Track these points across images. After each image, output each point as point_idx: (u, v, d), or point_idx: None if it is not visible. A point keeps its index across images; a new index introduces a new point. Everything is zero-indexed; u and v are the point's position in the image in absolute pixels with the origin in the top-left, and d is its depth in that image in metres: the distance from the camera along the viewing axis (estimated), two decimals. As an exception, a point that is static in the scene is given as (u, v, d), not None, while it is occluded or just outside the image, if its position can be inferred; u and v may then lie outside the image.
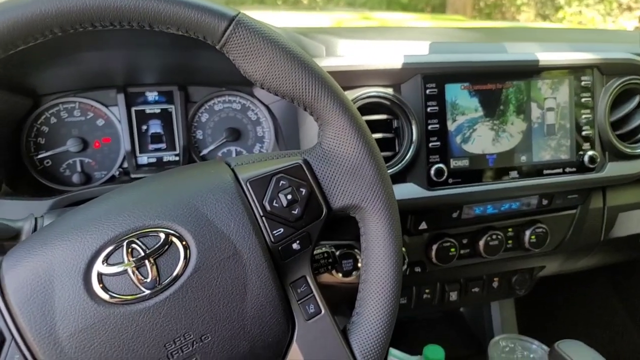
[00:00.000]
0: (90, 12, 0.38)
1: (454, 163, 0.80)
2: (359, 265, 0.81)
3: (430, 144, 0.79)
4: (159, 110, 0.87)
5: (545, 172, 0.86)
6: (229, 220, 0.43)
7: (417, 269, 0.92)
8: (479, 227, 0.92)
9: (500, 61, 0.82)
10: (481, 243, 0.91)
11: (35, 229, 0.56)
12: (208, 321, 0.41)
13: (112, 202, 0.44)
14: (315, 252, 0.64)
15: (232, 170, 0.46)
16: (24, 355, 0.38)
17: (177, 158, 0.89)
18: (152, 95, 0.87)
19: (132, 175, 0.85)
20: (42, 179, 0.82)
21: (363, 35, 0.91)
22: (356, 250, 0.81)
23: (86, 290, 0.39)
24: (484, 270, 1.03)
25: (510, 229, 0.95)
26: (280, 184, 0.46)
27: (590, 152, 0.86)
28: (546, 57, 0.83)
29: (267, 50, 0.43)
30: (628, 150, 0.90)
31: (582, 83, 0.87)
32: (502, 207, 0.90)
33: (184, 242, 0.41)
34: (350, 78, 0.76)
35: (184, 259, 0.41)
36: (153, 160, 0.88)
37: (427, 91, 0.78)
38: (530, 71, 0.84)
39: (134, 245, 0.41)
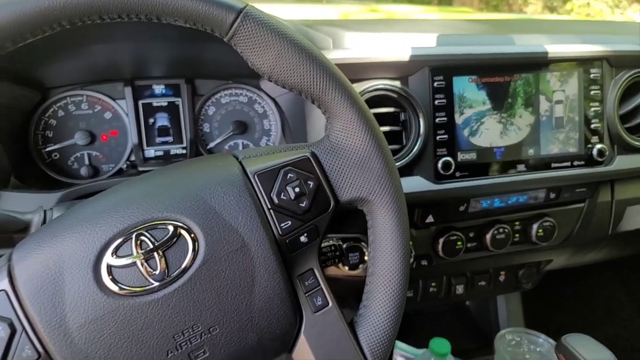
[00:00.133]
0: (98, 5, 0.38)
1: (461, 156, 0.80)
2: (366, 258, 0.81)
3: (438, 137, 0.79)
4: (166, 103, 0.87)
5: (553, 165, 0.85)
6: (236, 213, 0.43)
7: (424, 262, 0.92)
8: (486, 220, 0.92)
9: (508, 53, 0.81)
10: (488, 236, 0.91)
11: (44, 222, 0.56)
12: (216, 313, 0.42)
13: (120, 195, 0.44)
14: (322, 245, 0.63)
15: (240, 163, 0.46)
16: (34, 346, 0.39)
17: (184, 151, 0.89)
18: (159, 88, 0.87)
19: (140, 168, 0.85)
20: (51, 171, 0.83)
21: (370, 27, 0.90)
22: (363, 243, 0.82)
23: (96, 282, 0.39)
24: (490, 264, 1.03)
25: (517, 223, 0.94)
26: (288, 177, 0.46)
27: (598, 145, 0.86)
28: (554, 49, 0.83)
29: (274, 43, 0.43)
30: (637, 143, 0.89)
31: (591, 75, 0.86)
32: (510, 200, 0.90)
33: (192, 235, 0.42)
34: (357, 71, 0.76)
35: (192, 251, 0.41)
36: (160, 153, 0.88)
37: (435, 84, 0.78)
38: (538, 63, 0.83)
39: (142, 238, 0.41)
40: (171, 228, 0.41)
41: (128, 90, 0.84)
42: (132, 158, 0.87)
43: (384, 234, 0.48)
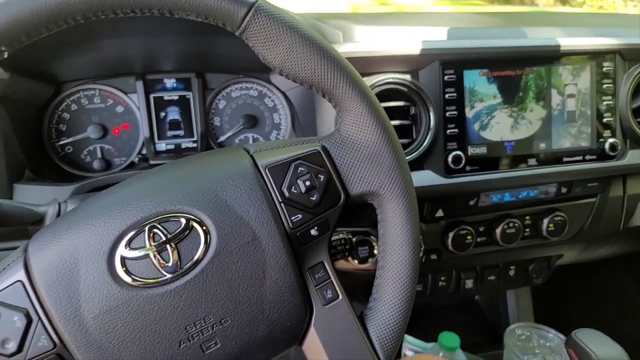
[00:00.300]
0: (112, 0, 0.39)
1: (471, 150, 0.80)
2: (375, 252, 0.81)
3: (448, 131, 0.78)
4: (177, 97, 0.88)
5: (564, 159, 0.85)
6: (248, 206, 0.43)
7: (433, 257, 0.92)
8: (496, 215, 0.92)
9: (519, 47, 0.81)
10: (498, 231, 0.91)
11: (58, 214, 0.57)
12: (228, 305, 0.42)
13: (133, 187, 0.45)
14: (332, 239, 0.64)
15: (251, 156, 0.47)
16: (50, 336, 0.39)
17: (194, 145, 0.90)
18: (170, 82, 0.88)
19: (151, 162, 0.86)
20: (64, 165, 0.84)
21: (380, 21, 0.90)
22: (372, 237, 0.82)
23: (110, 273, 0.40)
24: (500, 259, 1.03)
25: (527, 217, 0.94)
26: (299, 171, 0.46)
27: (611, 140, 0.85)
28: (567, 42, 0.82)
29: (286, 37, 0.43)
30: (650, 137, 0.88)
31: (604, 69, 0.85)
32: (520, 194, 0.89)
33: (204, 227, 0.42)
34: (367, 64, 0.76)
35: (204, 243, 0.42)
36: (171, 146, 0.89)
37: (445, 77, 0.78)
38: (550, 57, 0.82)
39: (155, 230, 0.41)
40: (183, 221, 0.42)
41: (139, 84, 0.85)
42: (144, 151, 0.87)
43: (394, 228, 0.48)
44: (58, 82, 0.82)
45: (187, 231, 0.42)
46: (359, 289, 0.87)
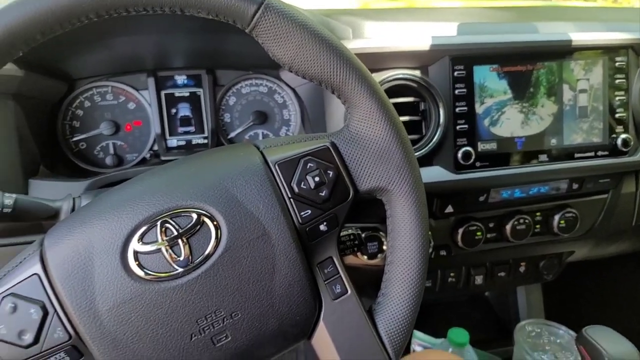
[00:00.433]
0: None
1: (481, 146, 0.79)
2: (384, 247, 0.81)
3: (458, 127, 0.78)
4: (187, 94, 0.89)
5: (576, 155, 0.84)
6: (258, 202, 0.44)
7: (443, 253, 0.92)
8: (506, 211, 0.91)
9: (531, 42, 0.80)
10: (508, 227, 0.91)
11: (73, 209, 0.58)
12: (238, 299, 0.42)
13: (146, 183, 0.45)
14: (341, 234, 0.64)
15: (261, 152, 0.47)
16: (65, 328, 0.40)
17: (205, 141, 0.90)
18: (181, 79, 0.88)
19: (163, 158, 0.87)
20: (78, 161, 0.85)
21: (390, 16, 0.90)
22: (381, 233, 0.82)
23: (123, 267, 0.41)
24: (510, 255, 1.02)
25: (538, 213, 0.93)
26: (308, 166, 0.46)
27: (623, 135, 0.84)
28: (579, 37, 0.81)
29: (295, 34, 0.43)
30: (663, 133, 0.87)
31: (617, 64, 0.84)
32: (531, 191, 0.89)
33: (215, 222, 0.43)
34: (377, 60, 0.76)
35: (215, 238, 0.42)
36: (182, 143, 0.89)
37: (455, 73, 0.77)
38: (562, 52, 0.82)
39: (167, 225, 0.42)
40: (195, 216, 0.42)
41: (151, 81, 0.86)
42: (155, 147, 0.88)
43: (403, 223, 0.48)
44: (71, 79, 0.83)
45: (199, 226, 0.42)
46: (368, 284, 0.87)
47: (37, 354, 0.40)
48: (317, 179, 0.46)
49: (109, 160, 0.86)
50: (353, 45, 0.74)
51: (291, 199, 0.46)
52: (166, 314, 0.41)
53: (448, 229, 0.90)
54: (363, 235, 0.79)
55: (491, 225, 0.92)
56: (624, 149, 0.85)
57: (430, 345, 1.10)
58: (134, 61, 0.85)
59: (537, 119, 0.82)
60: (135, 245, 0.41)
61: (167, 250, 0.41)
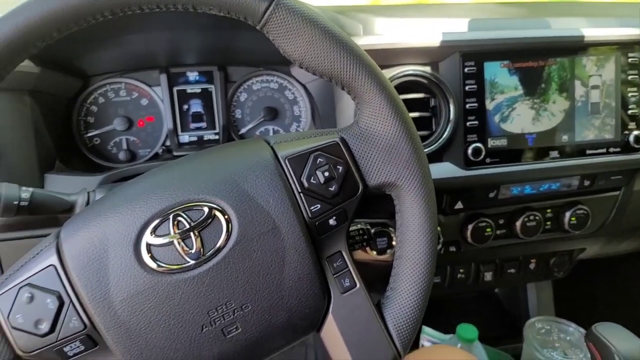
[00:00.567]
0: None
1: (491, 142, 0.79)
2: (393, 243, 0.82)
3: (468, 123, 0.78)
4: (199, 90, 0.90)
5: (588, 152, 0.83)
6: (268, 196, 0.44)
7: (452, 249, 0.92)
8: (516, 207, 0.91)
9: (542, 37, 0.80)
10: (518, 224, 0.90)
11: (87, 202, 0.60)
12: (248, 291, 0.43)
13: (158, 177, 0.46)
14: (350, 229, 0.65)
15: (272, 147, 0.48)
16: (80, 317, 0.41)
17: (216, 137, 0.91)
18: (193, 76, 0.89)
19: (175, 153, 0.88)
20: (92, 156, 0.87)
21: (401, 13, 0.90)
22: (390, 228, 0.82)
23: (136, 259, 0.42)
24: (520, 251, 1.02)
25: (549, 210, 0.93)
26: (318, 162, 0.47)
27: (636, 132, 0.84)
28: (592, 32, 0.81)
29: (306, 30, 0.44)
30: (676, 130, 0.86)
31: (630, 60, 0.83)
32: (541, 187, 0.88)
33: (226, 216, 0.43)
34: (387, 56, 0.76)
35: (226, 232, 0.43)
36: (194, 138, 0.91)
37: (466, 69, 0.77)
38: (574, 47, 0.81)
39: (179, 218, 0.43)
40: (206, 209, 0.43)
41: (163, 78, 0.87)
42: (168, 143, 0.90)
43: (412, 218, 0.48)
44: (86, 75, 0.84)
45: (210, 219, 0.43)
46: (377, 279, 0.87)
47: (53, 343, 0.41)
48: (326, 174, 0.46)
49: (122, 156, 0.87)
50: (363, 41, 0.75)
51: (301, 194, 0.46)
52: (178, 305, 0.42)
53: (458, 225, 0.90)
54: (372, 230, 0.80)
55: (501, 221, 0.91)
56: (637, 146, 0.84)
57: (439, 341, 1.10)
58: (146, 58, 0.86)
59: (548, 115, 0.81)
60: (148, 237, 0.42)
61: (179, 243, 0.42)
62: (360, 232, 0.66)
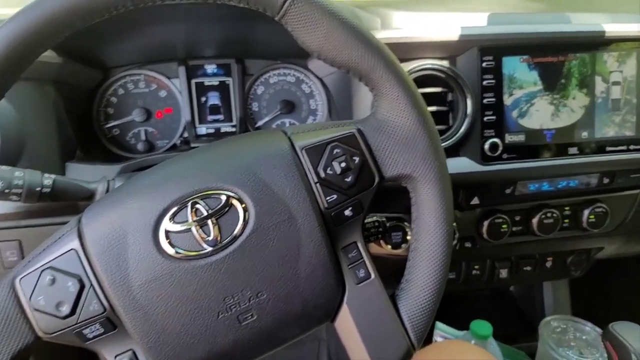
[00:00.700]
0: None
1: (509, 138, 0.79)
2: (408, 238, 0.82)
3: (485, 118, 0.78)
4: (217, 83, 0.91)
5: (607, 149, 0.82)
6: (285, 186, 0.45)
7: (468, 244, 0.92)
8: (533, 204, 0.90)
9: (563, 32, 0.79)
10: (535, 221, 0.89)
11: (107, 190, 0.61)
12: (264, 279, 0.44)
13: (177, 166, 0.47)
14: (366, 221, 0.65)
15: (289, 138, 0.48)
16: (100, 301, 0.42)
17: (233, 129, 0.92)
18: (211, 68, 0.90)
19: (192, 145, 0.89)
20: (111, 146, 0.88)
21: (419, 7, 0.89)
22: (405, 223, 0.82)
23: (155, 245, 0.42)
24: (537, 249, 1.01)
25: (567, 208, 0.92)
26: (335, 152, 0.47)
27: (657, 129, 0.82)
28: (613, 28, 0.79)
29: (324, 21, 0.44)
30: (699, 128, 0.84)
31: (652, 56, 0.82)
32: (559, 184, 0.87)
33: (243, 205, 0.44)
34: (405, 50, 0.76)
35: (243, 220, 0.43)
36: (211, 130, 0.91)
37: (484, 64, 0.77)
38: (595, 43, 0.80)
39: (197, 206, 0.43)
40: (224, 197, 0.44)
41: (182, 70, 0.88)
42: (185, 135, 0.91)
43: (428, 211, 0.48)
44: (107, 67, 0.86)
45: (227, 208, 0.44)
46: (392, 274, 0.87)
47: (74, 325, 0.42)
48: (343, 164, 0.47)
49: (140, 146, 0.88)
50: (381, 35, 0.74)
51: (317, 184, 0.46)
52: (195, 292, 0.42)
53: (473, 220, 0.89)
54: (388, 224, 0.80)
55: (517, 218, 0.90)
56: (658, 143, 0.82)
57: (452, 337, 1.10)
58: (165, 50, 0.87)
59: (568, 111, 0.80)
60: (166, 224, 0.43)
61: (197, 230, 0.43)
62: (376, 224, 0.66)
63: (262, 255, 0.44)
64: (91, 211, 0.45)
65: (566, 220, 0.92)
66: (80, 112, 0.84)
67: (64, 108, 0.76)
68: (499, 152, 0.78)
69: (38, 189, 0.56)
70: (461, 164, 0.78)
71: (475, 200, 0.86)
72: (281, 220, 0.44)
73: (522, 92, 0.78)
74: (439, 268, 0.48)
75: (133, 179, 0.48)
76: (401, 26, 0.79)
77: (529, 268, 1.03)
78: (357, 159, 0.47)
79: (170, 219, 0.43)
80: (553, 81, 0.79)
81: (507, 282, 1.06)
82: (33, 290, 0.42)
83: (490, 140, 0.77)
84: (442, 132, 0.78)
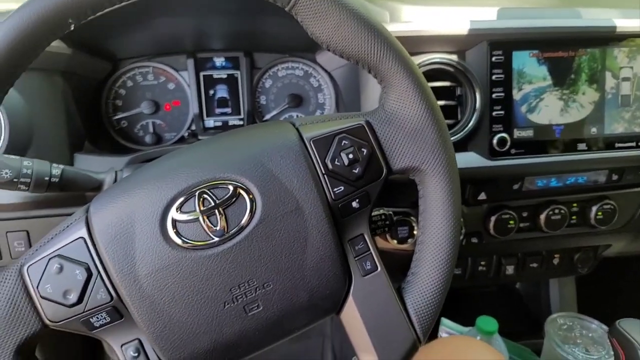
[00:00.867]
0: None
1: (517, 133, 0.78)
2: (415, 232, 0.82)
3: (494, 113, 0.77)
4: (225, 76, 0.91)
5: (617, 145, 0.82)
6: (292, 177, 0.45)
7: (474, 240, 0.91)
8: (541, 200, 0.90)
9: (573, 27, 0.78)
10: (542, 217, 0.89)
11: (115, 181, 0.61)
12: (270, 270, 0.44)
13: (185, 156, 0.47)
14: (373, 214, 0.65)
15: (297, 129, 0.48)
16: (107, 289, 0.42)
17: (241, 122, 0.92)
18: (219, 61, 0.90)
19: (200, 137, 0.90)
20: (119, 138, 0.89)
21: (428, 1, 0.89)
22: (412, 217, 0.82)
23: (162, 234, 0.42)
24: (544, 246, 1.00)
25: (575, 204, 0.91)
26: (343, 144, 0.47)
27: (668, 126, 0.81)
28: (624, 23, 0.78)
29: (334, 12, 0.44)
30: None
31: (663, 51, 0.81)
32: (568, 180, 0.87)
33: (250, 195, 0.44)
34: (414, 44, 0.75)
35: (250, 210, 0.43)
36: (219, 123, 0.92)
37: (493, 58, 0.76)
38: (605, 38, 0.79)
39: (205, 196, 0.43)
40: (231, 188, 0.44)
41: (190, 62, 0.88)
42: (193, 127, 0.91)
43: (435, 203, 0.48)
44: (116, 59, 0.86)
45: (235, 198, 0.44)
46: (398, 268, 0.87)
47: (80, 313, 0.42)
48: (350, 156, 0.46)
49: (148, 139, 0.89)
50: (391, 28, 0.74)
51: (325, 175, 0.46)
52: (201, 282, 0.43)
53: (480, 216, 0.89)
54: (395, 218, 0.79)
55: (525, 214, 0.90)
56: (668, 140, 0.82)
57: (458, 333, 1.10)
58: (174, 42, 0.87)
59: (577, 107, 0.80)
60: (174, 214, 0.43)
61: (204, 220, 0.43)
62: (383, 217, 0.66)
63: (268, 246, 0.44)
64: (99, 200, 0.45)
65: (574, 217, 0.92)
66: (88, 104, 0.84)
67: (72, 99, 0.76)
68: (507, 147, 0.77)
69: (47, 178, 0.56)
70: (469, 159, 0.78)
71: (482, 196, 0.85)
72: (288, 211, 0.44)
73: (531, 87, 0.78)
74: (446, 261, 0.48)
75: (141, 169, 0.48)
76: (410, 20, 0.79)
77: (535, 265, 1.03)
78: (365, 151, 0.47)
79: (177, 209, 0.43)
80: (563, 76, 0.79)
81: (513, 279, 1.06)
82: (40, 278, 0.42)
83: (499, 135, 0.77)
84: (450, 127, 0.78)
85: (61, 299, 0.42)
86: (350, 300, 0.48)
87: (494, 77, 0.77)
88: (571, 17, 0.82)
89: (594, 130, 0.81)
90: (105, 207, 0.44)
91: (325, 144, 0.47)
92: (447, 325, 1.12)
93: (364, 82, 0.80)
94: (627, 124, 0.81)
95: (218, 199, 0.43)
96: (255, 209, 0.44)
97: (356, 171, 0.47)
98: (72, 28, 0.42)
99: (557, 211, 0.89)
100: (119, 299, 0.42)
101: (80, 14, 0.41)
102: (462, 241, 0.89)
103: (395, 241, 0.82)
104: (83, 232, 0.43)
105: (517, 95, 0.78)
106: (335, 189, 0.46)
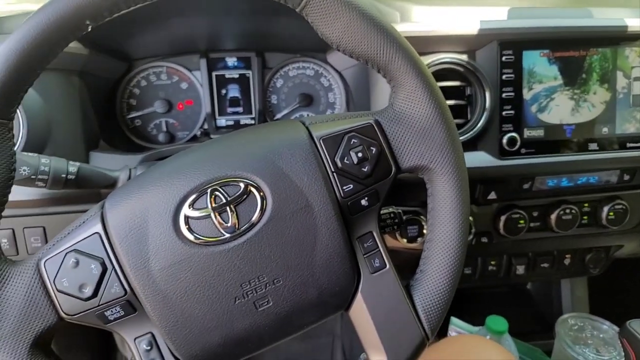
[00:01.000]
0: None
1: (527, 133, 0.78)
2: (424, 231, 0.82)
3: (504, 112, 0.77)
4: (237, 75, 0.92)
5: (628, 145, 0.81)
6: (302, 175, 0.45)
7: (484, 240, 0.91)
8: (552, 200, 0.89)
9: (584, 27, 0.78)
10: (553, 217, 0.89)
11: (129, 178, 0.62)
12: (280, 266, 0.44)
13: (197, 154, 0.48)
14: (382, 212, 0.65)
15: (307, 128, 0.49)
16: (122, 283, 0.43)
17: (252, 121, 0.93)
18: (231, 61, 0.91)
19: (212, 136, 0.91)
20: (133, 137, 0.90)
21: (438, 1, 0.89)
22: (421, 216, 0.82)
23: (175, 230, 0.43)
24: (554, 246, 1.00)
25: (586, 204, 0.91)
26: (352, 142, 0.47)
27: (680, 126, 0.81)
28: (635, 23, 0.78)
29: (344, 13, 0.44)
30: None
31: (676, 51, 0.80)
32: (579, 180, 0.86)
33: (261, 193, 0.44)
34: (424, 44, 0.76)
35: (260, 208, 0.44)
36: (231, 122, 0.93)
37: (503, 58, 0.76)
38: (617, 38, 0.79)
39: (217, 193, 0.44)
40: (242, 185, 0.44)
41: (203, 62, 0.89)
42: (205, 126, 0.92)
43: (444, 202, 0.49)
44: (130, 59, 0.88)
45: (246, 195, 0.44)
46: (407, 267, 0.88)
47: (95, 307, 0.43)
48: (360, 154, 0.47)
49: (161, 137, 0.90)
50: (401, 28, 0.74)
51: (334, 174, 0.47)
52: (213, 277, 0.43)
53: (490, 215, 0.89)
54: (404, 217, 0.80)
55: (535, 214, 0.90)
56: (680, 140, 0.81)
57: (467, 332, 1.10)
58: (188, 43, 0.88)
59: (588, 107, 0.79)
60: (186, 210, 0.44)
61: (215, 217, 0.44)
62: (392, 215, 0.66)
63: (278, 243, 0.44)
64: (114, 197, 0.46)
65: (585, 217, 0.91)
66: (103, 103, 0.86)
67: (88, 99, 0.78)
68: (517, 146, 0.77)
69: (63, 175, 0.58)
70: (479, 158, 0.78)
71: (492, 195, 0.85)
72: (298, 208, 0.45)
73: (542, 87, 0.78)
74: (454, 259, 0.48)
75: (154, 166, 0.49)
76: (420, 20, 0.79)
77: (546, 265, 1.02)
78: (374, 149, 0.48)
79: (190, 206, 0.44)
80: (573, 76, 0.79)
81: (524, 279, 1.05)
82: (57, 272, 0.43)
83: (509, 135, 0.77)
84: (460, 126, 0.78)
85: (77, 293, 0.43)
86: (359, 297, 0.48)
87: (504, 76, 0.77)
88: (582, 17, 0.82)
89: (605, 130, 0.80)
90: (119, 204, 0.45)
91: (334, 142, 0.47)
92: (456, 325, 1.12)
93: (373, 81, 0.80)
94: (639, 124, 0.81)
95: (229, 196, 0.44)
96: (266, 206, 0.44)
97: (365, 169, 0.47)
98: (90, 29, 0.43)
99: (568, 211, 0.88)
100: (132, 293, 0.44)
101: (97, 15, 0.42)
102: (472, 241, 0.89)
103: (404, 240, 0.83)
104: (98, 228, 0.44)
105: (527, 94, 0.78)
106: (345, 187, 0.47)
